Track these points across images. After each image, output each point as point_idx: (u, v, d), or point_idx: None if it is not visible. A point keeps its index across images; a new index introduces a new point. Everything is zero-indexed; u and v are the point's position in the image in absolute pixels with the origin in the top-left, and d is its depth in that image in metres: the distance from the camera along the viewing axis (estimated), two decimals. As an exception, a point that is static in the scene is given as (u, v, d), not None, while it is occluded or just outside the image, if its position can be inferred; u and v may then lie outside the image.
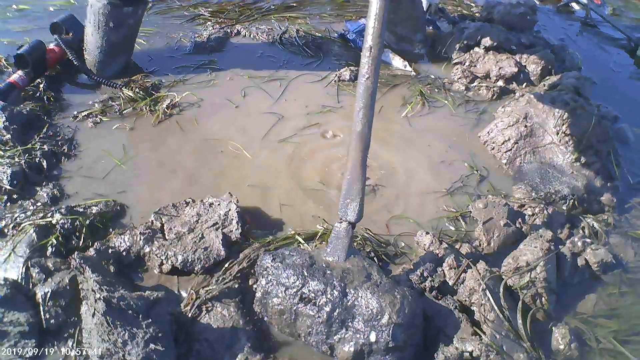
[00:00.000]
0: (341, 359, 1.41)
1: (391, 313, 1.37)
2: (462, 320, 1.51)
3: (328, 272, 1.47)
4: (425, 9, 3.08)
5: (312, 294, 1.44)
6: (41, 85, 2.42)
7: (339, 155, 2.17)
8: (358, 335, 1.39)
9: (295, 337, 1.50)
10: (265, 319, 1.54)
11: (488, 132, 2.30)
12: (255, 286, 1.61)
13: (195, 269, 1.66)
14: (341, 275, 1.46)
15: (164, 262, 1.66)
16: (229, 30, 3.00)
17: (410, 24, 2.85)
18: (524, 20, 2.95)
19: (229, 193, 1.86)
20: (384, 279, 1.46)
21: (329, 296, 1.42)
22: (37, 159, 2.04)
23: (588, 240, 1.84)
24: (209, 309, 1.53)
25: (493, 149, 2.26)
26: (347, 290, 1.43)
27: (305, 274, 1.47)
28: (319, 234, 1.80)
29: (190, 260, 1.66)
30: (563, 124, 2.15)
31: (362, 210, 1.57)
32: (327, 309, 1.41)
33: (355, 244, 1.75)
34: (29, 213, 1.79)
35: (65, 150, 2.13)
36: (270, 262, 1.53)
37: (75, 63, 2.44)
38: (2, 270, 1.62)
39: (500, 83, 2.67)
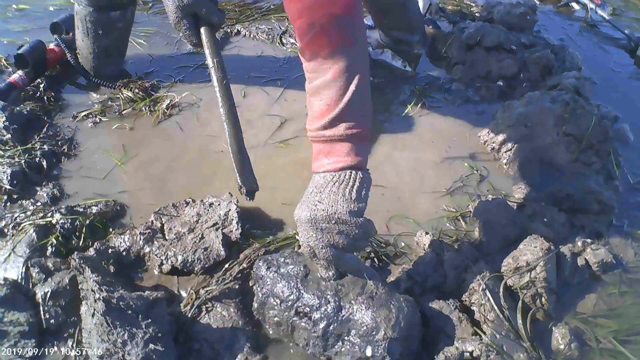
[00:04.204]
0: (339, 371, 1.40)
1: (386, 329, 1.36)
2: (462, 320, 1.51)
3: (322, 283, 1.47)
4: (425, 9, 3.08)
5: (307, 308, 1.43)
6: (41, 85, 2.41)
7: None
8: (355, 349, 1.38)
9: (294, 344, 1.50)
10: (265, 325, 1.54)
11: (488, 132, 2.30)
12: (254, 288, 1.61)
13: (195, 269, 1.66)
14: (336, 288, 1.45)
15: (164, 262, 1.66)
16: (229, 30, 3.00)
17: (405, 27, 2.83)
18: (524, 20, 2.95)
19: (229, 193, 1.86)
20: (380, 290, 1.44)
21: (323, 311, 1.41)
22: (37, 159, 2.04)
23: (588, 240, 1.84)
24: (209, 309, 1.53)
25: (493, 149, 2.26)
26: (342, 304, 1.42)
27: (300, 286, 1.46)
28: (319, 234, 1.80)
29: (190, 261, 1.66)
30: (563, 124, 2.15)
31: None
32: (322, 324, 1.41)
33: (355, 244, 1.75)
34: (29, 213, 1.80)
35: (65, 150, 2.13)
36: (265, 271, 1.53)
37: (73, 64, 2.44)
38: (2, 270, 1.62)
39: (500, 83, 2.67)
